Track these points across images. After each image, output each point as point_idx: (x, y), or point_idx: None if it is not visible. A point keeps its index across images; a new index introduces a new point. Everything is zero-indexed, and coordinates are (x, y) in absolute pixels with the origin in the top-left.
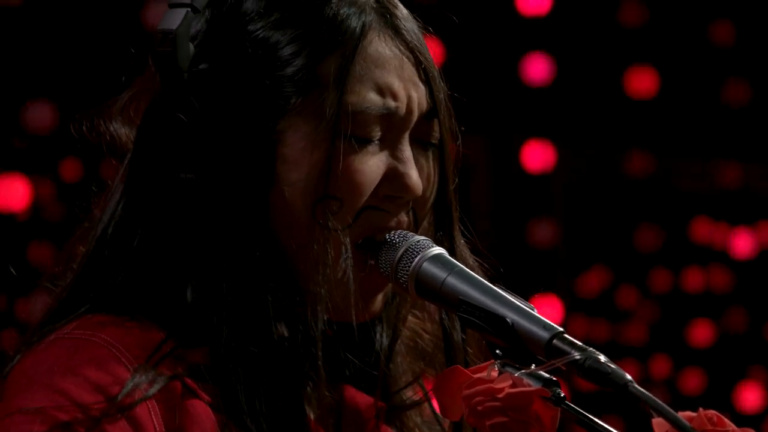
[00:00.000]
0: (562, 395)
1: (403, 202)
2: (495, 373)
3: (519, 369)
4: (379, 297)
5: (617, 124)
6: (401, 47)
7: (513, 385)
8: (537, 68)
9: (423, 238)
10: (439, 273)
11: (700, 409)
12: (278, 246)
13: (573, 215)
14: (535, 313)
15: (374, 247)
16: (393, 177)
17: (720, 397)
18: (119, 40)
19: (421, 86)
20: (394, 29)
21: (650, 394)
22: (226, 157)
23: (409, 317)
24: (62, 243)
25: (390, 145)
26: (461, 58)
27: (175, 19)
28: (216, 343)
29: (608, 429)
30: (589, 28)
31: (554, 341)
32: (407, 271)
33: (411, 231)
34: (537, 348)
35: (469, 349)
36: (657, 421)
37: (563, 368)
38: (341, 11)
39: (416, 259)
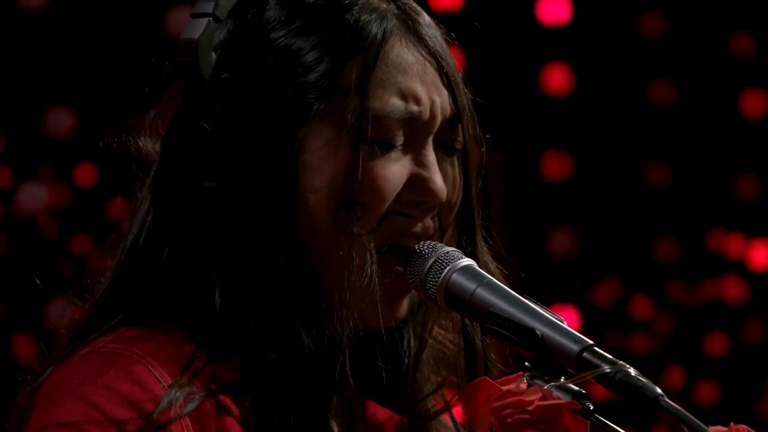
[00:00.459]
0: (592, 408)
1: (428, 207)
2: (524, 386)
3: (548, 381)
4: (405, 302)
5: (635, 134)
6: (423, 52)
7: (543, 398)
8: (556, 78)
9: (453, 249)
10: (468, 284)
11: (732, 423)
12: (301, 253)
13: (590, 225)
14: (565, 325)
15: (399, 252)
16: (417, 182)
17: (736, 409)
18: (141, 48)
19: (444, 91)
20: (417, 35)
21: (682, 409)
22: (248, 165)
23: (436, 327)
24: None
25: (413, 150)
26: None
27: (197, 28)
28: (245, 354)
29: None
30: (608, 38)
31: (584, 354)
32: (436, 282)
33: (437, 237)
34: (567, 360)
35: (492, 355)
36: None
37: (593, 381)
38: (363, 17)
39: (445, 270)
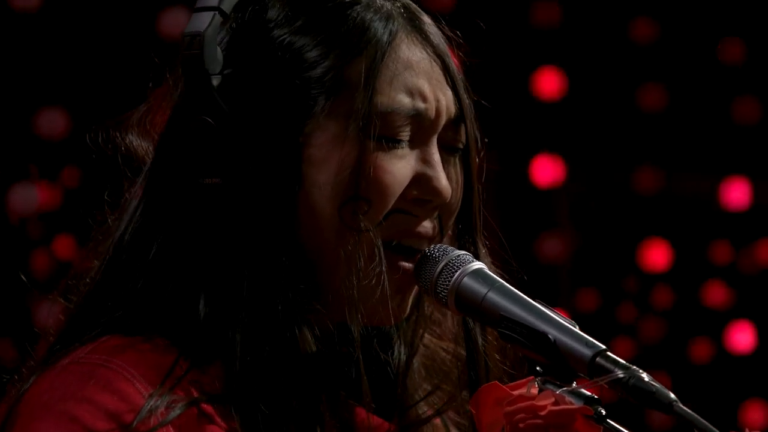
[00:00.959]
0: (605, 413)
1: (431, 207)
2: (534, 390)
3: (560, 386)
4: (410, 299)
5: (627, 139)
6: (429, 51)
7: (555, 403)
8: (548, 82)
9: (463, 252)
10: (479, 288)
11: (747, 429)
12: (304, 250)
13: (581, 230)
14: (577, 329)
15: (402, 251)
16: (422, 180)
17: (722, 416)
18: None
19: (449, 91)
20: (422, 34)
21: (695, 414)
22: (253, 160)
23: (426, 334)
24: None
25: (419, 148)
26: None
27: (202, 22)
28: (233, 359)
29: None
30: (600, 43)
31: (597, 359)
32: (447, 285)
33: (437, 238)
34: (579, 365)
35: (497, 356)
36: None
37: (606, 386)
38: (368, 16)
39: (456, 274)
